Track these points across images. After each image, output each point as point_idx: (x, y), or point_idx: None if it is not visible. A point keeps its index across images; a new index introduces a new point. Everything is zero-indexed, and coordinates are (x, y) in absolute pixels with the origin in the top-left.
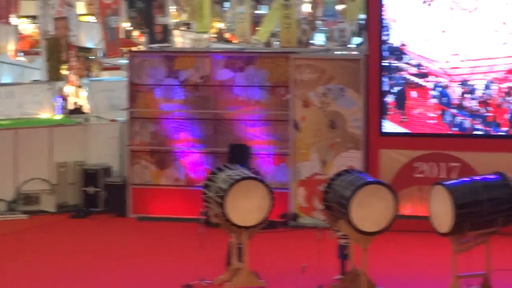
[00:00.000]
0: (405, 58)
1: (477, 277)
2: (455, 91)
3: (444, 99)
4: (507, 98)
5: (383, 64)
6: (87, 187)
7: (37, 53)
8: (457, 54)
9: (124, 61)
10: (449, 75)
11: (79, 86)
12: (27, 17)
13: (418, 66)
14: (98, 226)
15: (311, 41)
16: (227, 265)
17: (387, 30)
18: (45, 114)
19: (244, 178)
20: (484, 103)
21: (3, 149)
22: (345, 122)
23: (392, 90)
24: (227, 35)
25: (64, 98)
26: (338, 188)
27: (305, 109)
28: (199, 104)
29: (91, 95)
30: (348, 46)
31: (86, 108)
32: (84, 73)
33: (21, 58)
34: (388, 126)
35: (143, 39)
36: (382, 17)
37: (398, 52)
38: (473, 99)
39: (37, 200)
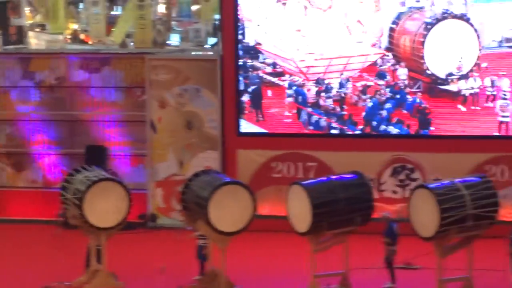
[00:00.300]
0: (261, 57)
1: (335, 276)
2: (311, 90)
3: (300, 98)
4: (363, 97)
5: (238, 63)
6: None
7: None
8: (312, 53)
9: None
10: (305, 73)
11: None
12: None
13: (274, 65)
14: None
15: (166, 42)
16: (86, 267)
17: (242, 30)
18: None
19: (101, 179)
20: (339, 101)
21: None
22: (202, 122)
23: (248, 90)
24: (82, 36)
25: None
26: (195, 189)
27: (161, 109)
28: (55, 105)
29: None
30: (204, 46)
31: None
32: None
33: None
34: (245, 126)
35: None
36: (237, 16)
37: (253, 51)
38: (328, 97)
39: None
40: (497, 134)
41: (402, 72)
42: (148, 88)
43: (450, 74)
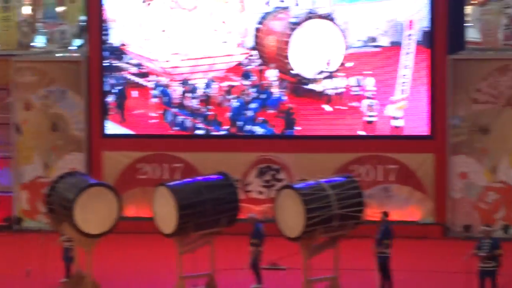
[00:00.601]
0: (126, 58)
1: (202, 277)
2: (176, 90)
3: (165, 99)
4: (228, 97)
5: (104, 64)
6: None
7: None
8: (177, 53)
9: None
10: (170, 74)
11: None
12: None
13: (139, 65)
14: None
15: (31, 44)
16: None
17: (108, 31)
18: None
19: None
20: (205, 101)
21: None
22: (67, 124)
23: (113, 91)
24: None
25: None
26: (61, 191)
27: (26, 112)
28: None
29: None
30: (69, 48)
31: None
32: None
33: None
34: (111, 127)
35: None
36: (102, 17)
37: (118, 52)
38: (194, 98)
39: None
40: (363, 133)
41: (271, 74)
42: (13, 90)
43: (316, 74)
